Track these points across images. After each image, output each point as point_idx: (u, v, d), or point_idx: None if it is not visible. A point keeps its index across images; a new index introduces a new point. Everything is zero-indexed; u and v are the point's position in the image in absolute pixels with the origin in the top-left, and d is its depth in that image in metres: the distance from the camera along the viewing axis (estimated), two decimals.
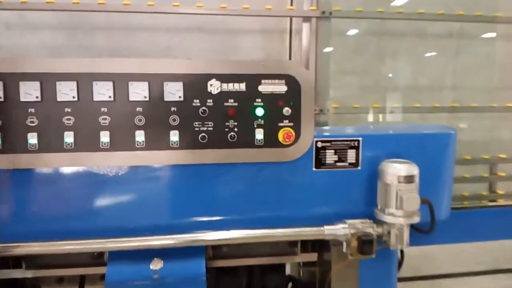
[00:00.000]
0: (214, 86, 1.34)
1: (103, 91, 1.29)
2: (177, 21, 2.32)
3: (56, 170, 1.32)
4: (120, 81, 1.29)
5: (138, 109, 1.31)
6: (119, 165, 1.34)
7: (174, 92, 1.32)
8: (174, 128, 1.33)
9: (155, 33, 2.43)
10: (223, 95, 1.34)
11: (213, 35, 2.49)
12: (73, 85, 1.27)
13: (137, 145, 1.32)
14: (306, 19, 1.92)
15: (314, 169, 1.44)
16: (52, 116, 1.28)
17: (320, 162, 1.43)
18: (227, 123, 1.36)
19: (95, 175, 1.34)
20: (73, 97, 1.27)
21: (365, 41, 2.65)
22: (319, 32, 1.87)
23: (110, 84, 1.29)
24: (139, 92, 1.31)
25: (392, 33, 2.70)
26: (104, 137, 1.30)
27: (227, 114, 1.35)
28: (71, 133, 1.28)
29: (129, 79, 1.30)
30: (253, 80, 1.35)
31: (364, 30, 2.56)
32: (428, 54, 2.71)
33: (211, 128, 1.35)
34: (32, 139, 1.28)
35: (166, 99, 1.32)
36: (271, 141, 1.38)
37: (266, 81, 1.36)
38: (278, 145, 1.38)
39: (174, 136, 1.33)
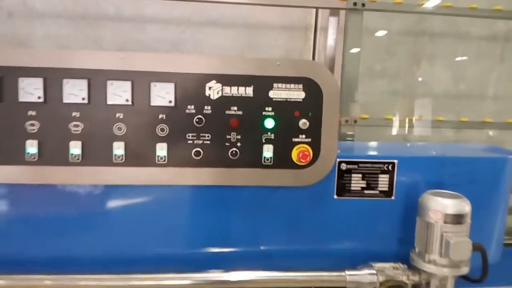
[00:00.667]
0: (213, 90, 1.08)
1: (74, 91, 1.05)
2: (190, 13, 2.10)
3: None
4: (97, 80, 1.05)
5: (117, 115, 1.06)
6: (91, 183, 1.10)
7: (163, 95, 1.07)
8: (161, 140, 1.07)
9: (165, 26, 2.23)
10: (225, 101, 1.08)
11: (229, 30, 2.26)
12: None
13: (115, 159, 1.07)
14: (334, 12, 1.64)
15: (335, 196, 1.16)
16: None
17: (343, 189, 1.15)
18: (228, 136, 1.09)
19: (60, 193, 1.11)
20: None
21: (396, 42, 2.35)
22: (349, 28, 1.58)
23: (83, 83, 1.05)
24: (119, 94, 1.06)
25: (428, 34, 2.39)
26: (75, 148, 1.05)
27: (228, 125, 1.08)
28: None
29: (108, 77, 1.05)
30: (263, 83, 1.08)
31: (396, 29, 2.27)
32: (463, 58, 2.39)
33: (208, 142, 1.09)
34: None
35: (152, 103, 1.06)
36: (282, 160, 1.10)
37: (280, 85, 1.09)
38: (292, 165, 1.11)
39: (161, 150, 1.07)
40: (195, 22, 2.26)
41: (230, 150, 1.09)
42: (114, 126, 1.06)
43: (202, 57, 1.08)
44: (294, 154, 1.10)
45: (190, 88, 1.07)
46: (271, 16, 2.14)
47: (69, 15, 2.25)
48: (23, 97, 1.03)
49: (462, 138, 2.34)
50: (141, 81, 1.06)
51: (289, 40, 2.31)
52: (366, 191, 1.15)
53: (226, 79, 1.08)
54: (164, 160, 1.08)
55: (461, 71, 2.48)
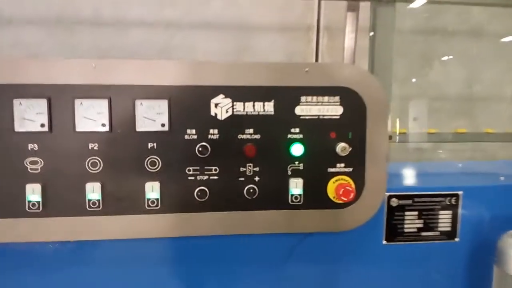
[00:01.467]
0: (221, 107, 0.81)
1: (30, 115, 0.77)
2: (181, 15, 1.84)
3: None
4: (60, 98, 0.77)
5: (91, 145, 0.79)
6: (57, 239, 0.81)
7: (153, 116, 0.79)
8: (152, 177, 0.79)
9: (152, 30, 1.96)
10: (237, 122, 0.81)
11: (223, 33, 2.00)
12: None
13: (89, 206, 0.79)
14: (351, 5, 1.38)
15: (384, 242, 0.89)
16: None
17: (394, 231, 0.89)
18: (242, 169, 0.82)
19: (17, 252, 0.82)
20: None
21: (409, 41, 2.13)
22: (377, 25, 1.31)
23: (42, 103, 0.77)
24: (92, 116, 0.78)
25: (442, 33, 2.17)
26: (33, 194, 0.77)
27: (243, 154, 0.81)
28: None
29: (76, 95, 0.78)
30: (287, 96, 0.81)
31: (408, 28, 2.04)
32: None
33: (215, 177, 0.81)
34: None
35: (139, 128, 0.79)
36: (315, 198, 0.83)
37: (309, 98, 0.82)
38: (328, 204, 0.83)
39: (152, 191, 0.79)
40: (185, 24, 2.00)
41: (246, 187, 0.81)
42: (87, 161, 0.78)
43: (204, 64, 0.81)
44: (331, 189, 0.83)
45: (190, 105, 0.80)
46: (268, 16, 1.89)
47: (41, 20, 1.98)
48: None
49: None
50: (122, 98, 0.78)
51: (289, 43, 2.07)
52: (423, 233, 0.89)
53: (237, 93, 0.81)
54: (157, 205, 0.80)
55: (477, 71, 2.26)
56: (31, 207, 0.76)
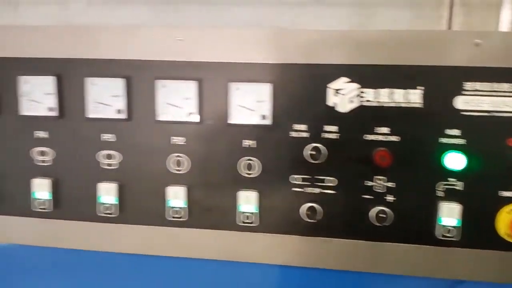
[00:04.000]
0: (343, 95, 0.59)
1: (104, 99, 0.64)
2: None
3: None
4: (138, 78, 0.62)
5: (174, 140, 0.64)
6: (132, 251, 0.69)
7: (251, 105, 0.61)
8: (247, 184, 0.62)
9: (257, 7, 1.79)
10: (365, 117, 0.58)
11: (337, 9, 1.75)
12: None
13: (169, 215, 0.65)
14: None
15: None
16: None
17: None
18: (370, 183, 0.60)
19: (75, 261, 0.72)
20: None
21: None
22: None
23: (120, 83, 0.63)
24: (176, 102, 0.63)
25: None
26: (107, 195, 0.65)
27: (372, 162, 0.58)
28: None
29: (157, 74, 0.62)
30: (442, 81, 0.56)
31: None
32: None
33: (332, 191, 0.60)
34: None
35: (232, 120, 0.62)
36: (478, 233, 0.57)
37: (478, 85, 0.56)
38: (496, 244, 0.57)
39: (247, 202, 0.63)
40: (296, 1, 1.80)
41: (375, 209, 0.59)
42: (169, 158, 0.64)
43: (321, 33, 0.59)
44: (503, 222, 0.57)
45: (300, 92, 0.60)
46: None
47: (151, 0, 1.93)
48: (28, 109, 0.65)
49: None
50: (212, 80, 0.61)
51: (414, 21, 1.73)
52: None
53: (368, 75, 0.58)
54: (252, 221, 0.63)
55: None
56: (103, 210, 0.65)
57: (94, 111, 0.63)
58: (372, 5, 1.68)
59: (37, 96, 0.64)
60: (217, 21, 1.88)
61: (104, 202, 0.64)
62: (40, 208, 0.66)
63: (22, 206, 0.66)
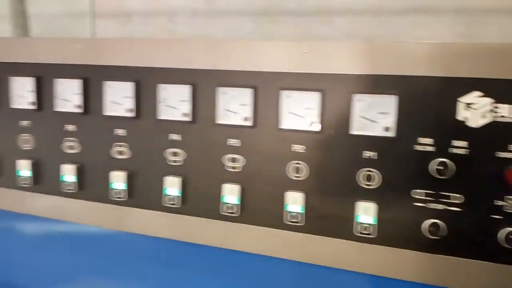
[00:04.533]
0: (476, 110, 0.57)
1: (233, 106, 0.69)
2: (390, 0, 1.61)
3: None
4: (265, 88, 0.66)
5: (295, 147, 0.66)
6: (251, 251, 0.73)
7: (374, 117, 0.62)
8: (367, 195, 0.62)
9: (358, 18, 1.78)
10: (499, 133, 0.55)
11: (438, 17, 1.67)
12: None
13: (287, 219, 0.68)
14: None
15: None
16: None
17: None
18: (499, 202, 0.56)
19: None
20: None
21: None
22: None
23: (247, 92, 0.68)
24: (298, 112, 0.65)
25: None
26: (230, 195, 0.70)
27: (503, 181, 0.55)
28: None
29: (282, 85, 0.66)
30: None
31: None
32: None
33: (456, 209, 0.59)
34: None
35: (354, 131, 0.62)
36: None
37: None
38: None
39: (367, 213, 0.63)
40: (395, 10, 1.75)
41: (505, 231, 0.57)
42: (289, 165, 0.67)
43: (450, 44, 0.58)
44: None
45: (427, 105, 0.59)
46: None
47: (249, 10, 2.02)
48: (164, 114, 0.73)
49: None
50: (335, 91, 0.63)
51: None
52: None
53: (503, 89, 0.56)
54: (370, 232, 0.63)
55: None
56: (225, 210, 0.70)
57: (222, 117, 0.69)
58: (478, 12, 1.58)
59: (173, 103, 0.71)
60: (315, 31, 1.90)
61: (227, 202, 0.69)
62: (170, 204, 0.73)
63: (154, 201, 0.74)
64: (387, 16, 1.68)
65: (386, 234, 0.63)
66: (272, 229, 0.68)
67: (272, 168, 0.67)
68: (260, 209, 0.69)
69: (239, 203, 0.69)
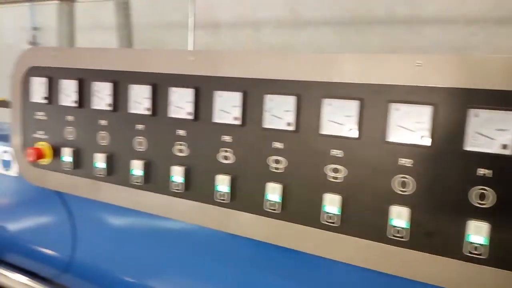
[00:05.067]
0: None
1: (339, 118, 0.70)
2: (484, 10, 1.52)
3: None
4: (373, 100, 0.67)
5: (402, 160, 0.65)
6: (352, 262, 0.73)
7: (492, 134, 0.58)
8: (478, 214, 0.59)
9: (449, 27, 1.71)
10: None
11: None
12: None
13: (394, 234, 0.67)
14: None
15: None
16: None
17: None
18: None
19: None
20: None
21: None
22: None
23: (354, 104, 0.68)
24: (408, 126, 0.64)
25: None
26: (331, 205, 0.71)
27: None
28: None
29: (390, 98, 0.66)
30: None
31: None
32: None
33: None
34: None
35: (468, 147, 0.59)
36: None
37: None
38: None
39: (478, 233, 0.60)
40: (491, 19, 1.64)
41: None
42: (395, 178, 0.66)
43: None
44: None
45: None
46: None
47: (334, 21, 2.03)
48: (269, 123, 0.76)
49: None
50: (449, 105, 0.61)
51: None
52: None
53: None
54: (481, 253, 0.60)
55: None
56: (326, 219, 0.71)
57: (327, 128, 0.70)
58: None
59: (278, 112, 0.74)
60: (403, 42, 1.85)
61: (328, 211, 0.71)
62: (270, 209, 0.76)
63: (255, 205, 0.78)
64: (481, 26, 1.59)
65: (499, 256, 0.60)
66: (373, 242, 0.68)
67: (376, 180, 0.67)
68: (362, 221, 0.69)
69: (339, 213, 0.70)
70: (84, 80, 0.94)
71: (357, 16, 1.99)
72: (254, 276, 0.89)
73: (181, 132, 0.84)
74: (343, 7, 2.00)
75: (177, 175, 0.84)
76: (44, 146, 1.00)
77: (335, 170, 0.70)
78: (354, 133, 0.68)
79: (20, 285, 1.12)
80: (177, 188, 0.85)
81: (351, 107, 0.68)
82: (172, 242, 0.96)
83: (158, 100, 0.86)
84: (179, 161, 0.85)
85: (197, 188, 0.83)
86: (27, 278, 1.11)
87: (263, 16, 2.34)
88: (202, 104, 0.82)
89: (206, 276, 0.94)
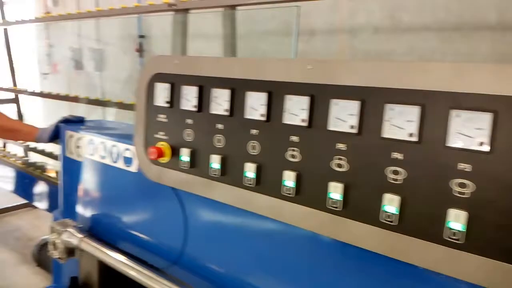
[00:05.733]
0: None
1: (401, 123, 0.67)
2: None
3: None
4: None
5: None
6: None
7: None
8: None
9: None
10: None
11: None
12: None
13: (449, 236, 0.62)
14: None
15: None
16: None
17: None
18: None
19: None
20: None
21: None
22: None
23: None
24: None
25: None
26: (455, 221, 0.68)
27: None
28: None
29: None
30: None
31: None
32: None
33: None
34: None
35: None
36: None
37: None
38: None
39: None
40: None
41: None
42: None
43: None
44: None
45: None
46: None
47: (438, 26, 1.93)
48: (390, 133, 0.75)
49: None
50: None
51: None
52: None
53: None
54: None
55: None
56: (449, 235, 0.68)
57: (454, 141, 0.67)
58: None
59: (399, 122, 0.73)
60: None
61: (452, 227, 0.68)
62: (387, 220, 0.75)
63: (370, 215, 0.77)
64: None
65: None
66: (501, 262, 0.64)
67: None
68: (490, 240, 0.65)
69: (464, 230, 0.67)
70: (204, 87, 1.02)
71: (464, 21, 1.88)
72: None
73: (294, 138, 0.87)
74: (448, 12, 1.91)
75: (289, 179, 0.87)
76: (164, 145, 1.09)
77: (462, 185, 0.67)
78: (485, 148, 0.65)
79: (133, 271, 1.22)
80: (288, 192, 0.87)
81: (483, 119, 0.65)
82: (280, 244, 0.99)
83: (273, 107, 0.90)
84: (291, 166, 0.87)
85: (308, 193, 0.85)
86: (141, 266, 1.21)
87: (361, 22, 2.30)
88: (317, 112, 0.83)
89: (310, 281, 0.95)
